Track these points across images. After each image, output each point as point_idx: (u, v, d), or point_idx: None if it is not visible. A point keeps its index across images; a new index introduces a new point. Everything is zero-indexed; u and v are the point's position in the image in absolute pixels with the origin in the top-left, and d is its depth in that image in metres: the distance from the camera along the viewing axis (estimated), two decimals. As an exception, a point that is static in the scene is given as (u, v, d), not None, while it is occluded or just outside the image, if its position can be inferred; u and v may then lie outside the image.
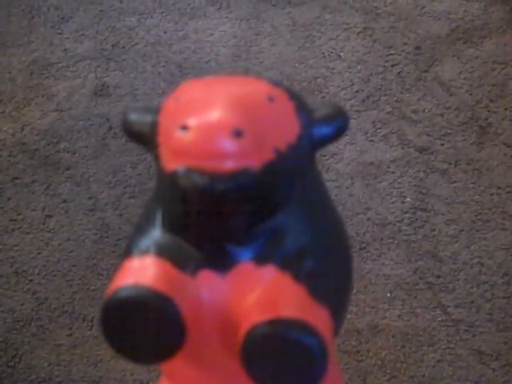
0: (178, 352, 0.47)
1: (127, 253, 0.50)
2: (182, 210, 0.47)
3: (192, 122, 0.44)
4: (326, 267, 0.50)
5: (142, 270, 0.48)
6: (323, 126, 0.49)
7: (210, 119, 0.44)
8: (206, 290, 0.48)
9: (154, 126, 0.49)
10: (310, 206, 0.50)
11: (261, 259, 0.47)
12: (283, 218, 0.48)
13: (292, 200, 0.48)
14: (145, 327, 0.46)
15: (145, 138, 0.50)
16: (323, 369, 0.45)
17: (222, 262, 0.48)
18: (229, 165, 0.44)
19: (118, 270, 0.49)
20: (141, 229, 0.51)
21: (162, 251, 0.48)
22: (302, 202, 0.49)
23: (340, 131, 0.50)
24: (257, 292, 0.47)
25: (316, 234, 0.50)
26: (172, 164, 0.46)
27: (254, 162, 0.45)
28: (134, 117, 0.51)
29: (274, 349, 0.45)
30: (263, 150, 0.45)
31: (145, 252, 0.49)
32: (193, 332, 0.47)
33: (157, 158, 0.49)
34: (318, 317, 0.46)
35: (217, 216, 0.46)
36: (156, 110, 0.50)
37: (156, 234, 0.49)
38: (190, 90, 0.49)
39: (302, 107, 0.49)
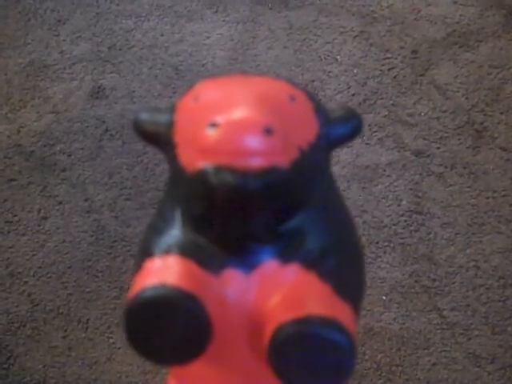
0: (203, 352, 0.46)
1: (147, 254, 0.49)
2: (206, 209, 0.46)
3: (221, 119, 0.44)
4: (347, 266, 0.50)
5: (165, 270, 0.47)
6: (339, 127, 0.50)
7: (239, 116, 0.44)
8: (231, 289, 0.47)
9: (170, 126, 0.49)
10: (328, 205, 0.50)
11: (285, 258, 0.47)
12: (305, 217, 0.48)
13: (313, 199, 0.48)
14: (171, 327, 0.45)
15: (160, 138, 0.50)
16: (352, 365, 0.45)
17: (246, 261, 0.47)
18: (259, 163, 0.44)
19: (138, 272, 0.48)
20: (158, 229, 0.50)
21: (185, 250, 0.47)
22: (321, 201, 0.49)
23: (355, 132, 0.51)
24: (282, 291, 0.47)
25: (335, 232, 0.50)
26: (199, 162, 0.45)
27: (283, 160, 0.44)
28: (146, 117, 0.50)
29: (302, 347, 0.44)
30: (290, 148, 0.45)
31: (167, 251, 0.48)
32: (218, 332, 0.46)
33: (174, 157, 0.48)
34: (345, 314, 0.46)
35: (243, 215, 0.45)
36: (171, 110, 0.50)
37: (176, 233, 0.48)
38: (209, 90, 0.48)
39: (320, 107, 0.50)
